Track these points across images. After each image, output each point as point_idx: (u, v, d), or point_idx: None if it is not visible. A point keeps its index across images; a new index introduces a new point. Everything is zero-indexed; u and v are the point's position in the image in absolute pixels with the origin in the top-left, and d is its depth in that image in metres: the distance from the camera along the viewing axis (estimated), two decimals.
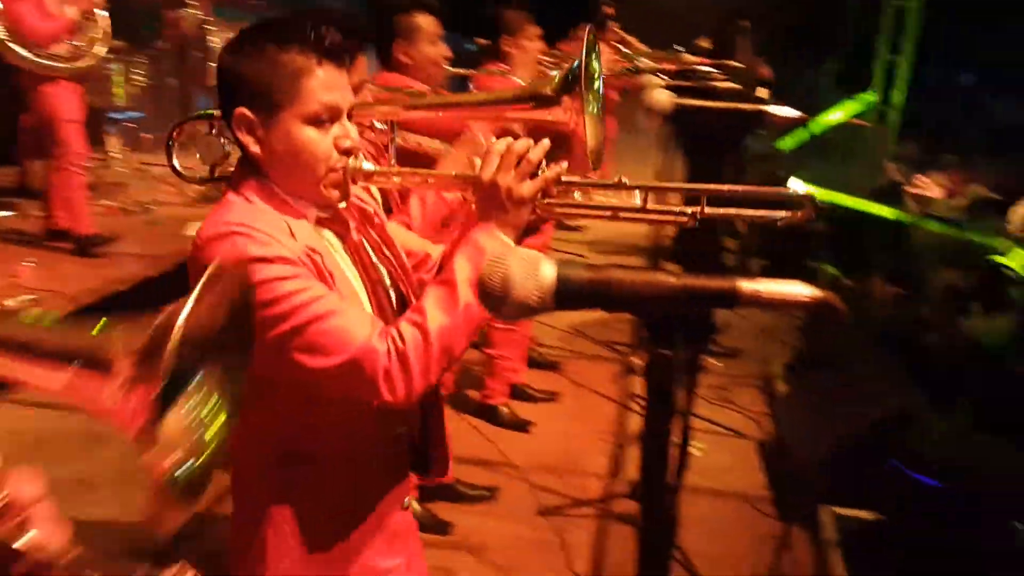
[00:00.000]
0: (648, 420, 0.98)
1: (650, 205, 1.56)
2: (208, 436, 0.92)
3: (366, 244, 1.65)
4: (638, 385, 4.80)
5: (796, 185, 7.93)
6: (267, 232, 1.43)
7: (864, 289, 5.27)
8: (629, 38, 7.12)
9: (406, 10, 3.02)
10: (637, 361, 5.20)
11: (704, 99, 2.41)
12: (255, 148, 1.51)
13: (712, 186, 1.54)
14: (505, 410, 4.45)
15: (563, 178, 1.58)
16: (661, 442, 0.97)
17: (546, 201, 1.58)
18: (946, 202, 7.33)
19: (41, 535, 0.65)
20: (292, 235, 1.46)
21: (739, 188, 1.53)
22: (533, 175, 1.55)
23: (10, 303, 4.31)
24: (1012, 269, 5.05)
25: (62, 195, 5.18)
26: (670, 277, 0.92)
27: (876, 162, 9.27)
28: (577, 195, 1.64)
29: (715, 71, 3.14)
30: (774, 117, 1.80)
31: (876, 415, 3.78)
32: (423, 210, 1.98)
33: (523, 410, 4.54)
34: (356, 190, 1.67)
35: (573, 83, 1.68)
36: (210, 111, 2.03)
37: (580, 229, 7.63)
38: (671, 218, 1.60)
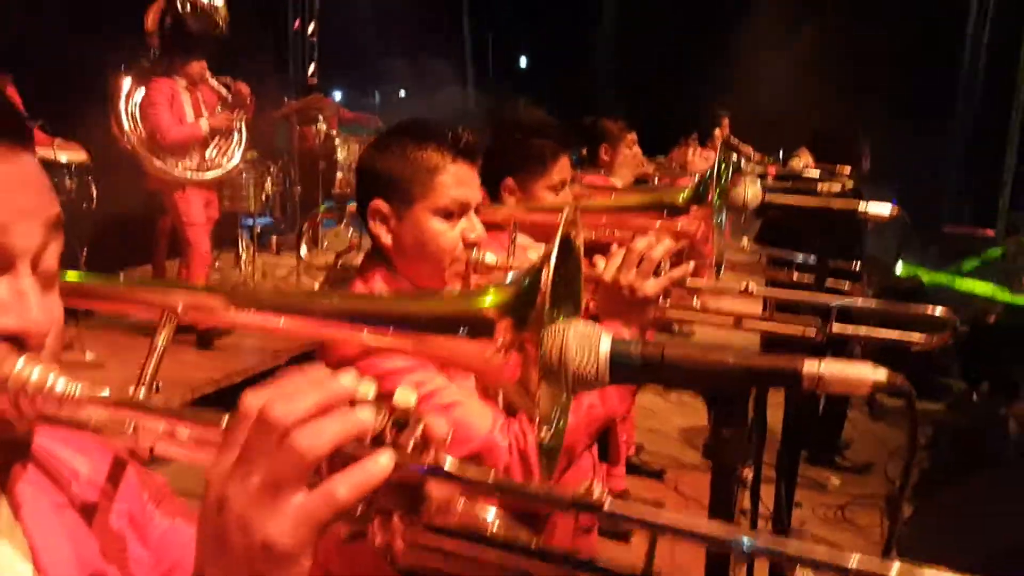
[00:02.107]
0: (712, 505, 0.92)
1: (776, 315, 1.52)
2: (562, 396, 0.94)
3: None
4: (746, 499, 4.58)
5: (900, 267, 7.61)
6: None
7: (998, 404, 4.92)
8: (742, 146, 7.17)
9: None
10: (748, 474, 4.99)
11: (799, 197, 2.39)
12: (387, 238, 1.59)
13: (845, 300, 1.49)
14: None
15: (687, 282, 1.58)
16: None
17: (668, 304, 1.56)
18: None
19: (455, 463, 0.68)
20: None
21: (873, 304, 1.48)
22: (656, 274, 1.54)
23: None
24: None
25: None
26: (727, 355, 0.88)
27: (1013, 273, 8.81)
28: (696, 302, 1.61)
29: (822, 175, 3.09)
30: (868, 215, 1.75)
31: (1010, 541, 3.47)
32: None
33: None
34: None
35: (704, 193, 1.69)
36: (340, 206, 2.13)
37: (690, 335, 7.50)
38: (799, 331, 1.54)
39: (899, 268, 8.21)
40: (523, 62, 24.94)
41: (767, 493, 3.00)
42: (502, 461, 1.41)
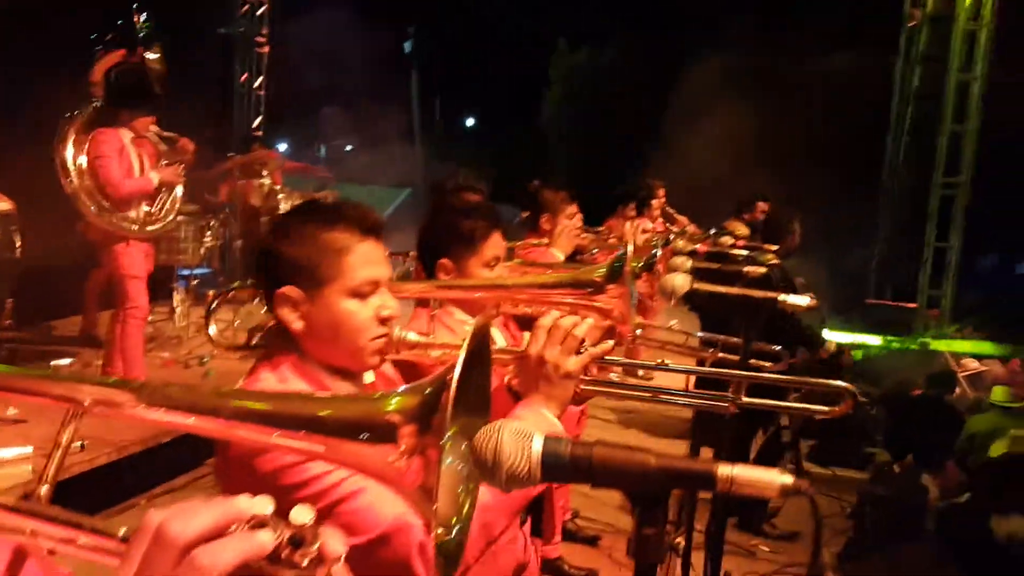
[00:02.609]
0: None
1: (690, 389, 1.60)
2: (465, 500, 0.98)
3: None
4: (678, 567, 4.62)
5: (831, 336, 7.87)
6: None
7: (919, 475, 5.09)
8: (677, 216, 7.39)
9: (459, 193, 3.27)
10: (681, 542, 5.04)
11: (729, 283, 2.51)
12: (298, 324, 1.57)
13: (753, 374, 1.56)
14: None
15: (607, 356, 1.61)
16: None
17: (587, 378, 1.60)
18: (1008, 390, 7.14)
19: None
20: None
21: (782, 377, 1.56)
22: (578, 351, 1.57)
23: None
24: None
25: (121, 346, 5.40)
26: (649, 457, 0.94)
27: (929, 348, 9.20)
28: (613, 375, 1.68)
29: (750, 254, 3.24)
30: (786, 305, 1.87)
31: None
32: None
33: None
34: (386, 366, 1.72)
35: (619, 270, 1.78)
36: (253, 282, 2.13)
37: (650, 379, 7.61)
38: (711, 403, 1.61)
39: (826, 334, 8.50)
40: (470, 121, 25.37)
41: (698, 559, 3.06)
42: (415, 539, 1.39)
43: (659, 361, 1.68)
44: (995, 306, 10.05)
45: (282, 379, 1.56)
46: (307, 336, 1.58)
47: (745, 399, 1.54)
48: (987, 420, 6.52)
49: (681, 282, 1.79)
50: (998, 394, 6.80)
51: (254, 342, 1.93)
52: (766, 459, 5.26)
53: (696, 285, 1.89)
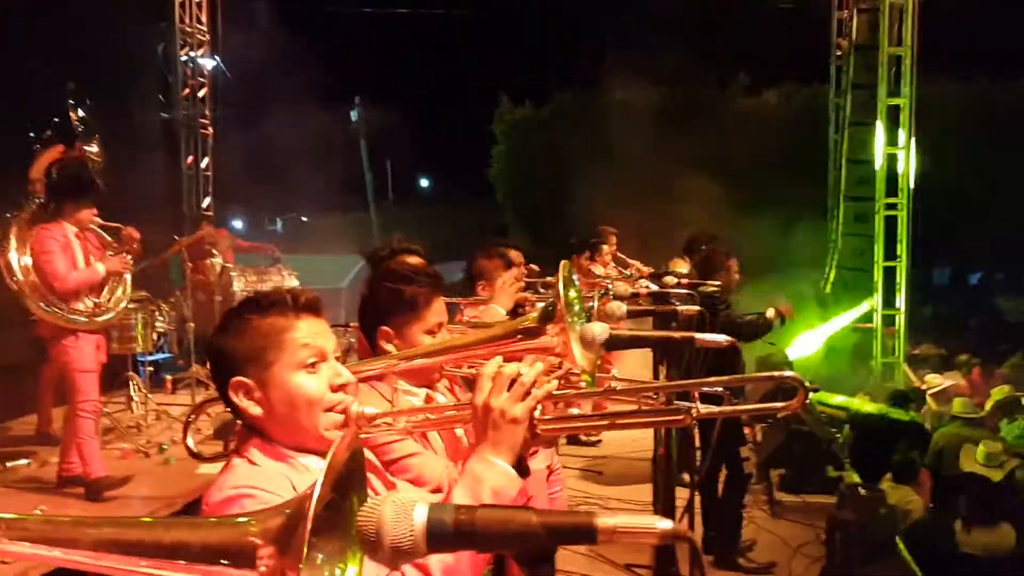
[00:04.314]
0: None
1: (645, 408, 1.59)
2: None
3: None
4: None
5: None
6: (270, 490, 1.48)
7: (882, 495, 5.10)
8: (630, 261, 7.49)
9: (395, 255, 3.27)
10: None
11: (666, 323, 2.56)
12: (256, 410, 1.59)
13: (701, 380, 1.54)
14: None
15: (554, 393, 1.60)
16: None
17: (545, 419, 1.59)
18: (967, 402, 7.23)
19: None
20: (295, 489, 1.50)
21: (726, 379, 1.52)
22: (525, 396, 1.57)
23: None
24: None
25: (75, 441, 5.28)
26: (531, 515, 0.95)
27: (891, 364, 9.33)
28: (575, 410, 1.67)
29: (689, 292, 3.29)
30: (705, 343, 1.90)
31: None
32: None
33: None
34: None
35: (552, 314, 1.79)
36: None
37: (597, 444, 7.59)
38: (668, 419, 1.59)
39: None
40: (424, 182, 25.59)
41: None
42: None
43: (607, 385, 1.68)
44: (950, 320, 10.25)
45: (252, 462, 1.57)
46: (267, 420, 1.60)
47: (703, 408, 1.52)
48: (951, 432, 6.60)
49: (599, 330, 1.81)
50: (957, 406, 6.90)
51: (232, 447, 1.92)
52: (733, 490, 5.26)
53: (614, 332, 1.91)
